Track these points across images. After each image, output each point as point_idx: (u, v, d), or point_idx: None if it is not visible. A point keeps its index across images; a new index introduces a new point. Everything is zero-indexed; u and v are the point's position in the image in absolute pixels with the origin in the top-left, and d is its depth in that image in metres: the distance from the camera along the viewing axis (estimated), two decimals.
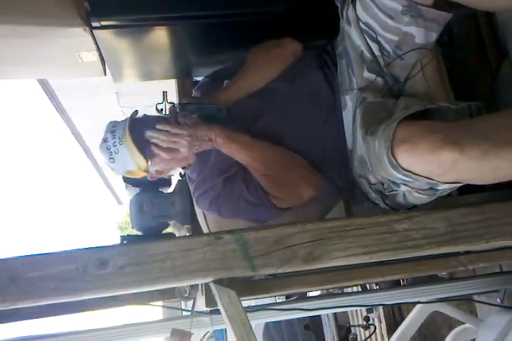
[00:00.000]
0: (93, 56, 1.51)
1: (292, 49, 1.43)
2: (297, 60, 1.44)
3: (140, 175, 1.38)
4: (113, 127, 1.31)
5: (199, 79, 1.72)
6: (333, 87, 1.36)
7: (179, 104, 1.31)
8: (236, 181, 1.32)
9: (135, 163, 1.30)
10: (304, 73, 1.39)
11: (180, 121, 1.28)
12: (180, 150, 1.26)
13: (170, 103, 1.36)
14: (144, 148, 1.29)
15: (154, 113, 1.40)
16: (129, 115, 1.35)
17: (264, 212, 1.32)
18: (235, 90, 1.36)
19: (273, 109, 1.35)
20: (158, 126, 1.26)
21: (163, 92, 1.33)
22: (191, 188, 1.42)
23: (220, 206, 1.33)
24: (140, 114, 1.37)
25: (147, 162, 1.31)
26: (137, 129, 1.29)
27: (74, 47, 1.47)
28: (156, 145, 1.26)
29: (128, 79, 1.78)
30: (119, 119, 1.37)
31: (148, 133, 1.26)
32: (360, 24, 1.22)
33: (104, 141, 1.30)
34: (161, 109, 1.37)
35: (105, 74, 1.65)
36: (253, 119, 1.35)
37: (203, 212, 1.49)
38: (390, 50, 1.20)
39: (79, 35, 1.40)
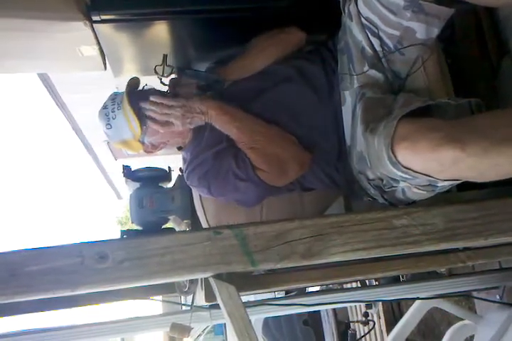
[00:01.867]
0: (93, 50, 1.51)
1: (297, 36, 1.45)
2: (299, 51, 1.45)
3: (135, 147, 1.41)
4: (115, 95, 1.36)
5: None
6: (332, 82, 1.36)
7: (178, 68, 1.31)
8: (226, 155, 1.32)
9: (130, 130, 1.33)
10: (304, 65, 1.39)
11: (178, 89, 1.32)
12: (174, 122, 1.28)
13: (168, 66, 1.37)
14: (141, 112, 1.32)
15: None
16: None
17: (251, 188, 1.31)
18: (236, 68, 1.40)
19: (272, 91, 1.36)
20: (151, 98, 1.28)
21: (164, 55, 1.32)
22: (183, 168, 1.43)
23: (209, 181, 1.33)
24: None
25: (142, 129, 1.34)
26: (135, 94, 1.34)
27: (74, 41, 1.46)
28: (151, 118, 1.29)
29: (128, 74, 1.77)
30: None
31: (142, 106, 1.28)
32: (362, 19, 1.22)
33: (104, 107, 1.34)
34: (163, 75, 1.38)
35: (105, 68, 1.65)
36: (251, 99, 1.35)
37: (202, 204, 1.49)
38: (392, 46, 1.20)
39: (79, 29, 1.40)
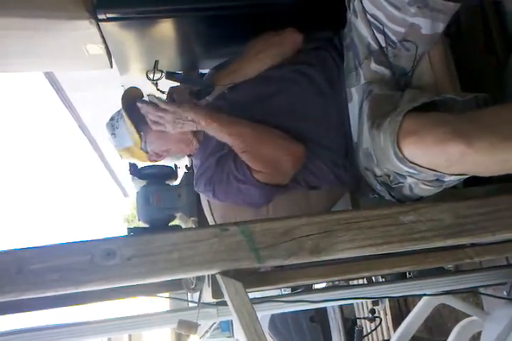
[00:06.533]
0: (99, 48, 1.51)
1: (292, 38, 1.43)
2: (297, 54, 1.43)
3: (140, 155, 1.44)
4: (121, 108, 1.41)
5: (205, 71, 1.71)
6: (335, 81, 1.36)
7: (167, 72, 1.36)
8: (227, 160, 1.33)
9: (131, 138, 1.39)
10: (306, 68, 1.38)
11: (175, 96, 1.35)
12: (166, 125, 1.30)
13: (159, 71, 1.40)
14: (137, 121, 1.37)
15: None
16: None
17: (252, 190, 1.30)
18: (227, 74, 1.39)
19: (275, 96, 1.35)
20: (148, 98, 1.31)
21: (155, 61, 1.38)
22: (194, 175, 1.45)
23: (214, 186, 1.34)
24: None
25: (140, 136, 1.39)
26: (132, 104, 1.36)
27: (80, 39, 1.47)
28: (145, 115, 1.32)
29: (134, 72, 1.78)
30: None
31: (138, 104, 1.31)
32: (367, 16, 1.22)
33: (111, 119, 1.43)
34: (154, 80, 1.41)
35: (111, 66, 1.65)
36: (253, 105, 1.35)
37: (209, 205, 1.49)
38: (397, 42, 1.20)
39: (85, 27, 1.40)
